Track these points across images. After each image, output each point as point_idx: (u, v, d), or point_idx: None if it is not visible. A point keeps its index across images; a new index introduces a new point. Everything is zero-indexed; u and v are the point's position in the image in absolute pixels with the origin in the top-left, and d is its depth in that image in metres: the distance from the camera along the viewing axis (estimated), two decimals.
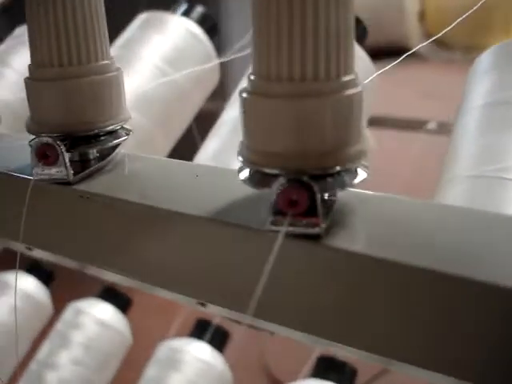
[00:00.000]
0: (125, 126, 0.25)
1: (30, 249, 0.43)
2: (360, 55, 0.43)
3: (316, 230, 0.17)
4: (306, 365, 0.58)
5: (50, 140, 0.22)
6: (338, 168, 0.17)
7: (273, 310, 0.19)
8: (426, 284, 0.16)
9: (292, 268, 0.18)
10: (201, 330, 0.66)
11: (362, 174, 0.19)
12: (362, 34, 0.47)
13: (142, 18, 0.52)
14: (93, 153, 0.24)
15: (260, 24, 0.17)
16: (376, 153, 0.21)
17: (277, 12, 0.16)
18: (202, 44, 0.51)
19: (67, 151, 0.23)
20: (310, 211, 0.17)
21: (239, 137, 0.19)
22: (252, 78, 0.18)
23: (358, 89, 0.18)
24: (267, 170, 0.18)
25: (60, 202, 0.23)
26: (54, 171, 0.22)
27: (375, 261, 0.16)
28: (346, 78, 0.17)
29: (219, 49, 0.54)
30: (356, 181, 0.18)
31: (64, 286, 0.75)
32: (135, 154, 0.26)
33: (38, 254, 0.48)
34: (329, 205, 0.18)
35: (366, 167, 0.19)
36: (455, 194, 0.24)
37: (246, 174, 0.19)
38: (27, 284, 0.74)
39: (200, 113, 0.54)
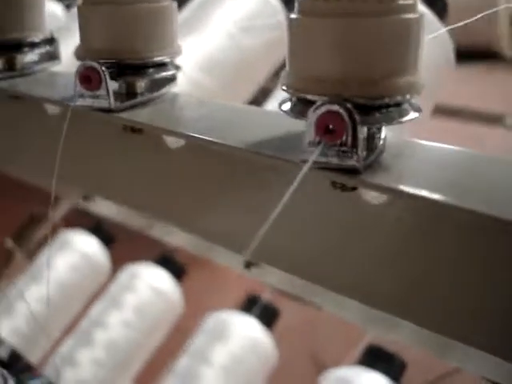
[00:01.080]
0: (176, 62, 0.24)
1: (86, 198, 0.43)
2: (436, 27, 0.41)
3: (354, 164, 0.15)
4: (352, 351, 0.56)
5: (94, 64, 0.21)
6: (385, 100, 0.16)
7: (314, 267, 0.18)
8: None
9: (326, 207, 0.16)
10: (250, 305, 0.65)
11: (412, 113, 0.17)
12: (442, 8, 0.45)
13: None
14: (140, 86, 0.24)
15: None
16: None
17: None
18: (274, 9, 0.50)
19: (112, 79, 0.22)
20: (350, 143, 0.15)
21: None
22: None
23: (415, 15, 0.16)
24: (308, 97, 0.16)
25: (100, 130, 0.22)
26: (96, 97, 0.21)
27: (431, 203, 0.15)
28: (404, 2, 0.16)
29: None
30: (405, 118, 0.17)
31: (124, 249, 0.76)
32: (189, 94, 0.25)
33: (97, 209, 0.48)
34: (374, 141, 0.17)
35: (417, 107, 0.17)
36: None
37: (288, 104, 0.17)
38: (88, 244, 0.76)
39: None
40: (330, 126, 0.15)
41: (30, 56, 0.30)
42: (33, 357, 0.68)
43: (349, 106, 0.15)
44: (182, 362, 0.63)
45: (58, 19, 0.66)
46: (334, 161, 0.15)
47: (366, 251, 0.17)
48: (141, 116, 0.22)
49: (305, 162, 0.15)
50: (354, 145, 0.15)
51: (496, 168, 0.16)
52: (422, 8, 0.40)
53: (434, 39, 0.39)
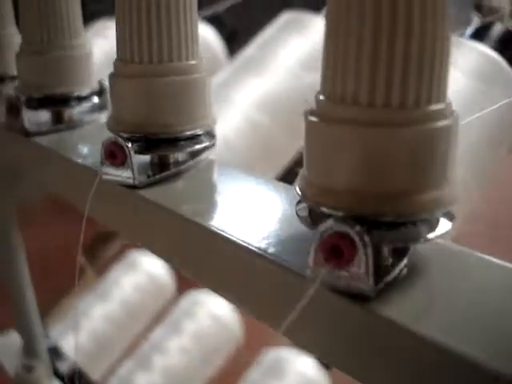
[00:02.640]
0: (211, 131, 0.24)
1: None
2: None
3: (363, 290, 0.14)
4: None
5: (119, 139, 0.20)
6: (404, 219, 0.14)
7: None
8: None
9: (332, 327, 0.15)
10: None
11: (443, 225, 0.15)
12: None
13: (283, 18, 0.50)
14: (171, 159, 0.23)
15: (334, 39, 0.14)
16: None
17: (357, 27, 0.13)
18: None
19: (140, 153, 0.21)
20: (362, 268, 0.14)
21: None
22: (319, 100, 0.15)
23: (447, 121, 0.14)
24: (320, 209, 0.15)
25: (124, 205, 0.22)
26: (120, 172, 0.21)
27: (427, 344, 0.13)
28: (430, 108, 0.14)
29: None
30: (433, 234, 0.15)
31: None
32: (224, 164, 0.24)
33: None
34: (392, 260, 0.15)
35: (451, 216, 0.16)
36: None
37: (302, 209, 0.16)
38: (154, 266, 0.77)
39: None
40: (338, 245, 0.14)
41: (78, 109, 0.30)
42: (93, 374, 0.70)
43: (359, 228, 0.14)
44: None
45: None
46: (342, 284, 0.14)
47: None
48: (166, 194, 0.21)
49: (311, 279, 0.14)
50: (366, 270, 0.14)
51: None
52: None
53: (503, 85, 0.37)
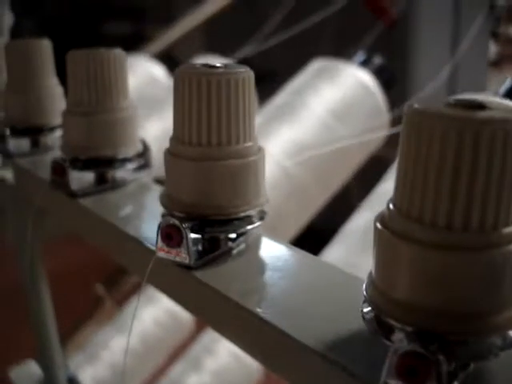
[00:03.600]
0: (263, 210, 0.24)
1: None
2: None
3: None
4: None
5: (176, 222, 0.21)
6: (477, 338, 0.14)
7: None
8: None
9: None
10: None
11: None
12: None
13: (314, 65, 0.51)
14: (223, 239, 0.23)
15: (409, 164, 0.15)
16: None
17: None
18: (373, 97, 0.49)
19: (194, 232, 0.22)
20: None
21: None
22: (391, 210, 0.15)
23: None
24: (387, 320, 0.15)
25: (179, 285, 0.22)
26: (176, 253, 0.21)
27: None
28: (505, 231, 0.14)
29: (394, 101, 0.51)
30: (504, 351, 0.15)
31: None
32: (270, 238, 0.24)
33: None
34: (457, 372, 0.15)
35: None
36: None
37: (369, 312, 0.16)
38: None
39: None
40: (413, 366, 0.14)
41: (122, 171, 0.30)
42: None
43: (434, 347, 0.14)
44: None
45: (160, 83, 0.68)
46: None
47: None
48: (212, 276, 0.21)
49: None
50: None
51: None
52: None
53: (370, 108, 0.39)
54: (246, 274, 0.22)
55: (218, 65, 0.21)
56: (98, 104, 0.30)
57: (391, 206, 0.15)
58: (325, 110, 0.47)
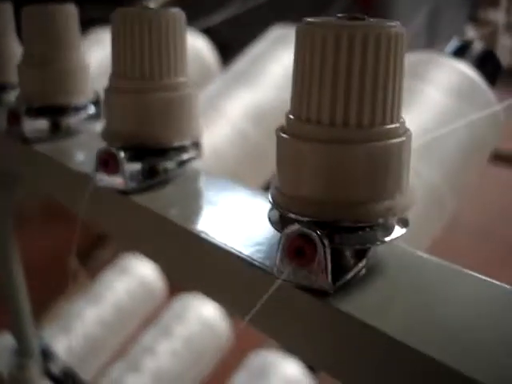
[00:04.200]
0: (198, 142, 0.26)
1: None
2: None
3: (322, 286, 0.16)
4: None
5: (112, 149, 0.22)
6: (361, 224, 0.16)
7: None
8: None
9: (296, 319, 0.17)
10: None
11: (398, 230, 0.17)
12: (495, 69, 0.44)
13: (272, 32, 0.52)
14: (162, 165, 0.25)
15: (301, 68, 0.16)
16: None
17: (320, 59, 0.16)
18: None
19: (131, 161, 0.23)
20: (321, 266, 0.16)
21: None
22: (289, 117, 0.17)
23: (400, 139, 0.16)
24: (287, 214, 0.17)
25: (116, 210, 0.23)
26: (113, 179, 0.23)
27: (378, 335, 0.15)
28: (383, 128, 0.16)
29: None
30: (388, 238, 0.17)
31: None
32: (211, 173, 0.26)
33: None
34: (353, 261, 0.17)
35: (405, 222, 0.18)
36: None
37: (274, 215, 0.18)
38: (145, 270, 0.78)
39: None
40: (301, 247, 0.16)
41: (75, 119, 0.32)
42: (85, 376, 0.71)
43: (320, 231, 0.16)
44: None
45: None
46: (305, 281, 0.16)
47: None
48: (154, 199, 0.23)
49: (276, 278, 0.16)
50: (325, 269, 0.16)
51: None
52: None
53: (481, 106, 0.39)
54: (183, 200, 0.23)
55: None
56: (50, 55, 0.31)
57: (290, 116, 0.17)
58: (281, 75, 0.49)
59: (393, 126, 0.16)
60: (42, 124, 0.32)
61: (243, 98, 0.47)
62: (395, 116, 0.16)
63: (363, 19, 0.16)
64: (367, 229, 0.17)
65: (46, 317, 0.81)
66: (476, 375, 0.13)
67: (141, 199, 0.23)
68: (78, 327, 0.74)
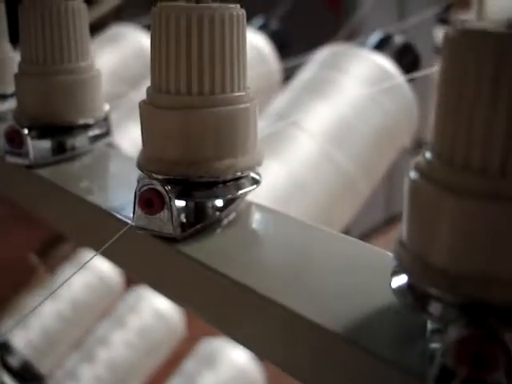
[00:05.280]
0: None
1: None
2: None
3: (171, 233, 0.19)
4: None
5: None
6: (208, 179, 0.19)
7: None
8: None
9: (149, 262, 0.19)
10: None
11: (248, 187, 0.20)
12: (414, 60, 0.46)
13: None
14: (69, 142, 0.27)
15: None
16: None
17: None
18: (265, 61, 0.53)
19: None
20: (166, 213, 0.19)
21: None
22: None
23: (244, 105, 0.19)
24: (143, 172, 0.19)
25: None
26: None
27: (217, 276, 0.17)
28: (227, 95, 0.19)
29: None
30: (238, 192, 0.20)
31: None
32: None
33: None
34: (209, 212, 0.20)
35: (256, 181, 0.20)
36: None
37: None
38: (102, 265, 0.80)
39: None
40: (151, 200, 0.18)
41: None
42: (42, 368, 0.72)
43: (168, 186, 0.18)
44: None
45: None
46: (156, 228, 0.19)
47: None
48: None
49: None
50: (171, 218, 0.18)
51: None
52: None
53: (393, 93, 0.41)
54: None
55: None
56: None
57: (150, 89, 0.20)
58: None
59: (237, 94, 0.19)
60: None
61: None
62: (240, 85, 0.19)
63: (208, 2, 0.19)
64: (220, 185, 0.19)
65: (6, 313, 0.82)
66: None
67: (45, 172, 0.25)
68: (36, 321, 0.75)
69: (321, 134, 0.38)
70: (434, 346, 0.13)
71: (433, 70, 0.33)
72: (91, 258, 0.20)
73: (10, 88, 0.31)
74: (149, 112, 0.19)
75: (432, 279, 0.13)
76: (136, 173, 0.20)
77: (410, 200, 0.13)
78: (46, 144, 0.27)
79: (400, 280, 0.14)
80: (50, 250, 0.89)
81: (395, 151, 0.43)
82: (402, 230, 0.14)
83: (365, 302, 0.15)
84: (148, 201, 0.18)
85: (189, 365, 0.67)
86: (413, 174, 0.13)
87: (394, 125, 0.42)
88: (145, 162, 0.19)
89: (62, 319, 0.76)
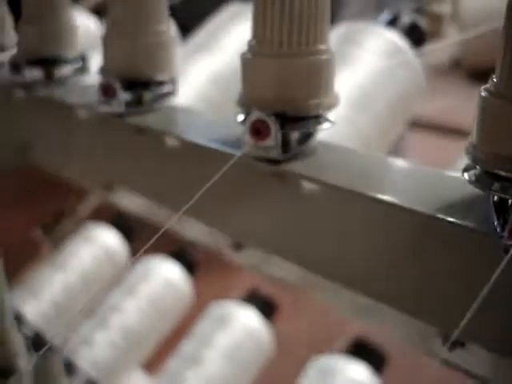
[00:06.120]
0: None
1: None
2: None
3: (275, 156, 0.23)
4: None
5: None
6: (303, 114, 0.24)
7: None
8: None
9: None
10: (252, 297, 0.70)
11: (325, 124, 0.25)
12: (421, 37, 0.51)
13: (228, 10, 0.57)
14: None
15: None
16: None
17: None
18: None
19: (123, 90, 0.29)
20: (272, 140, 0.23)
21: None
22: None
23: (327, 56, 0.24)
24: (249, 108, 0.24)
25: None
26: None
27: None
28: (316, 47, 0.23)
29: None
30: (319, 127, 0.25)
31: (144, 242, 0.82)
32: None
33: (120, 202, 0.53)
34: (299, 141, 0.25)
35: (330, 121, 0.25)
36: None
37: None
38: (109, 238, 0.82)
39: None
40: (259, 129, 0.23)
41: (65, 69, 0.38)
42: (54, 338, 0.74)
43: (273, 118, 0.23)
44: (187, 346, 0.68)
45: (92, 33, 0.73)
46: (263, 154, 0.23)
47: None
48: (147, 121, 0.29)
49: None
50: (276, 143, 0.23)
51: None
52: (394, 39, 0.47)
53: (405, 65, 0.46)
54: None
55: None
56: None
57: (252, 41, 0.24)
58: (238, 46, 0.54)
59: (323, 47, 0.23)
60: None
61: (204, 64, 0.52)
62: (325, 40, 0.23)
63: None
64: (309, 119, 0.24)
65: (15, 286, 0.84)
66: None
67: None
68: (46, 293, 0.77)
69: (344, 99, 0.42)
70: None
71: (439, 45, 0.38)
72: (203, 191, 0.23)
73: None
74: (253, 60, 0.24)
75: (501, 164, 0.18)
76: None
77: (481, 112, 0.18)
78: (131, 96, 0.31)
79: (472, 173, 0.19)
80: (56, 226, 0.91)
81: (405, 119, 0.49)
82: (472, 136, 0.19)
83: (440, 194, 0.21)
84: (257, 130, 0.22)
85: (201, 326, 0.70)
86: (484, 93, 0.18)
87: (406, 94, 0.47)
88: (248, 101, 0.24)
89: (71, 291, 0.78)
